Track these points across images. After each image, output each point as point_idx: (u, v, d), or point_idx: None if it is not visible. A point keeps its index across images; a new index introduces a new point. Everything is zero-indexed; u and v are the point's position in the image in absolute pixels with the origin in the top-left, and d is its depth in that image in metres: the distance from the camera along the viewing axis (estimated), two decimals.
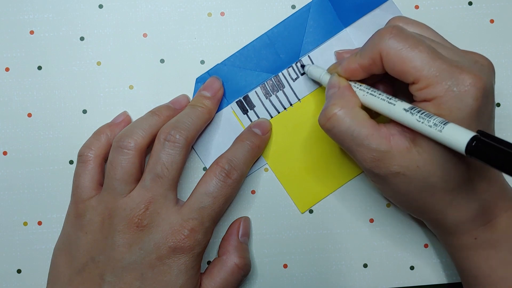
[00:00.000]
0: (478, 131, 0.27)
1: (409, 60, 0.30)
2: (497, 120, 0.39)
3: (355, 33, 0.39)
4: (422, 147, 0.30)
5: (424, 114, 0.29)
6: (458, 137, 0.27)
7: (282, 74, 0.39)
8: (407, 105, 0.30)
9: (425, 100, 0.30)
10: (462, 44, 0.38)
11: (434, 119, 0.29)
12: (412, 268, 0.39)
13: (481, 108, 0.29)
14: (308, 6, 0.39)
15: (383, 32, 0.31)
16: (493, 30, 0.39)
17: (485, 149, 0.26)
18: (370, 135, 0.31)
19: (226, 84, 0.39)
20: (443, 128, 0.28)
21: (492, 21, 0.39)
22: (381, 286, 0.39)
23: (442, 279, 0.39)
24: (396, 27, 0.31)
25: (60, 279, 0.34)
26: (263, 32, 0.39)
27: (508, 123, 0.39)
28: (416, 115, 0.29)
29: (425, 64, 0.30)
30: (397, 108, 0.31)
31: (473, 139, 0.26)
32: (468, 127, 0.28)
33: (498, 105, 0.39)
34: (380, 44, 0.31)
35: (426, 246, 0.39)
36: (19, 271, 0.39)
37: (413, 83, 0.30)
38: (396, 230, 0.39)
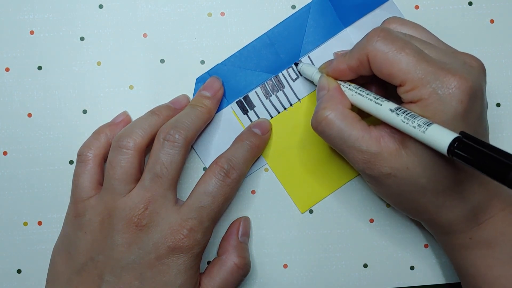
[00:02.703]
0: (461, 133, 0.28)
1: (396, 63, 0.30)
2: (497, 120, 0.39)
3: (355, 33, 0.39)
4: (410, 149, 0.30)
5: (409, 114, 0.29)
6: (441, 138, 0.27)
7: (282, 74, 0.39)
8: (393, 106, 0.31)
9: (411, 102, 0.30)
10: (462, 44, 0.38)
11: (418, 120, 0.29)
12: (412, 268, 0.39)
13: (467, 110, 0.29)
14: (308, 6, 0.39)
15: (371, 35, 0.31)
16: (493, 30, 0.39)
17: (466, 150, 0.26)
18: (360, 137, 0.31)
19: (226, 84, 0.39)
20: (426, 129, 0.28)
21: (492, 21, 0.39)
22: (381, 286, 0.39)
23: (442, 279, 0.39)
24: (384, 30, 0.31)
25: (59, 279, 0.34)
26: (263, 32, 0.39)
27: (508, 123, 0.39)
28: (401, 115, 0.30)
29: (411, 67, 0.30)
30: (383, 108, 0.31)
31: (455, 140, 0.27)
32: (453, 129, 0.29)
33: (498, 105, 0.39)
34: (367, 46, 0.31)
35: (426, 246, 0.39)
36: (19, 271, 0.39)
37: (399, 85, 0.31)
38: (396, 230, 0.39)
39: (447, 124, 0.29)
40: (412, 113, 0.30)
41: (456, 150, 0.27)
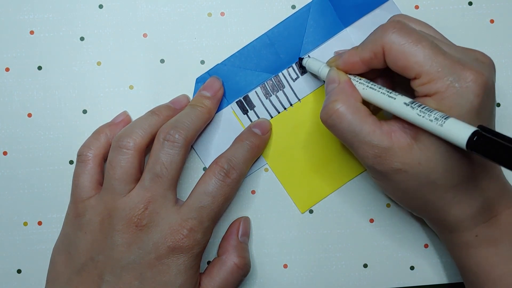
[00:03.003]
0: (479, 126, 0.27)
1: (412, 55, 0.30)
2: (497, 120, 0.39)
3: (355, 33, 0.39)
4: (423, 144, 0.30)
5: (425, 108, 0.29)
6: (459, 131, 0.27)
7: (282, 74, 0.39)
8: (407, 99, 0.30)
9: (426, 95, 0.30)
10: (462, 44, 0.38)
11: (435, 114, 0.28)
12: (412, 268, 0.39)
13: (482, 104, 0.29)
14: (308, 6, 0.39)
15: (387, 26, 0.31)
16: (493, 30, 0.39)
17: (487, 143, 0.26)
18: (372, 131, 0.31)
19: (226, 84, 0.39)
20: (444, 122, 0.28)
21: (492, 21, 0.39)
22: (381, 286, 0.39)
23: (442, 279, 0.39)
24: (400, 22, 0.31)
25: (59, 279, 0.34)
26: (263, 32, 0.39)
27: (508, 123, 0.39)
28: (417, 109, 0.29)
29: (428, 60, 0.30)
30: (397, 102, 0.30)
31: (474, 133, 0.26)
32: (468, 123, 0.28)
33: (498, 105, 0.39)
34: (383, 38, 0.31)
35: (426, 246, 0.39)
36: (19, 271, 0.39)
37: (415, 78, 0.30)
38: (396, 230, 0.39)
39: (463, 117, 0.29)
40: (427, 107, 0.29)
41: (476, 144, 0.26)
